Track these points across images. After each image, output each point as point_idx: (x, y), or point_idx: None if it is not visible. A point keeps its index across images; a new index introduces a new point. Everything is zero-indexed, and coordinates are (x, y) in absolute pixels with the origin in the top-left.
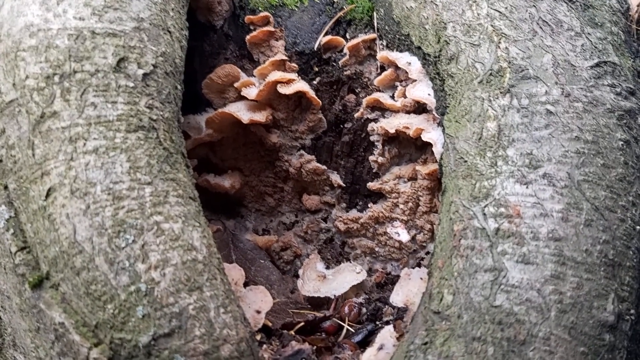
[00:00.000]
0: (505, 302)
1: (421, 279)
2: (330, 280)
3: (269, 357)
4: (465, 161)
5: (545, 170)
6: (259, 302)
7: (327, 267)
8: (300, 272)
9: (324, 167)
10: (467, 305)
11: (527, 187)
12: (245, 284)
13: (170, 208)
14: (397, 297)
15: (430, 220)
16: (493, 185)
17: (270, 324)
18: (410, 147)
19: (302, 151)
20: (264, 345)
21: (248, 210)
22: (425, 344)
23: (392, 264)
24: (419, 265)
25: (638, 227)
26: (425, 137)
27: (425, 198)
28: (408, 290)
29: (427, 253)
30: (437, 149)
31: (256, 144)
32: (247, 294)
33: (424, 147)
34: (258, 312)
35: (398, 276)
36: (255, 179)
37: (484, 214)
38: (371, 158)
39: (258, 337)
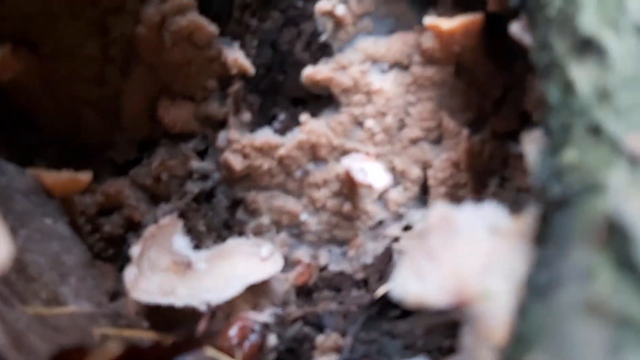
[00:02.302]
0: None
1: None
2: (201, 274)
3: None
4: None
5: None
6: None
7: (197, 246)
8: (133, 251)
9: (214, 28)
10: None
11: None
12: None
13: None
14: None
15: (424, 161)
16: None
17: None
18: None
19: None
20: None
21: (43, 136)
22: None
23: (330, 250)
24: (388, 255)
25: None
26: None
27: (422, 107)
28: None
29: (407, 229)
30: None
31: None
32: None
33: None
34: None
35: (342, 273)
36: (63, 65)
37: None
38: (321, 7)
39: None
